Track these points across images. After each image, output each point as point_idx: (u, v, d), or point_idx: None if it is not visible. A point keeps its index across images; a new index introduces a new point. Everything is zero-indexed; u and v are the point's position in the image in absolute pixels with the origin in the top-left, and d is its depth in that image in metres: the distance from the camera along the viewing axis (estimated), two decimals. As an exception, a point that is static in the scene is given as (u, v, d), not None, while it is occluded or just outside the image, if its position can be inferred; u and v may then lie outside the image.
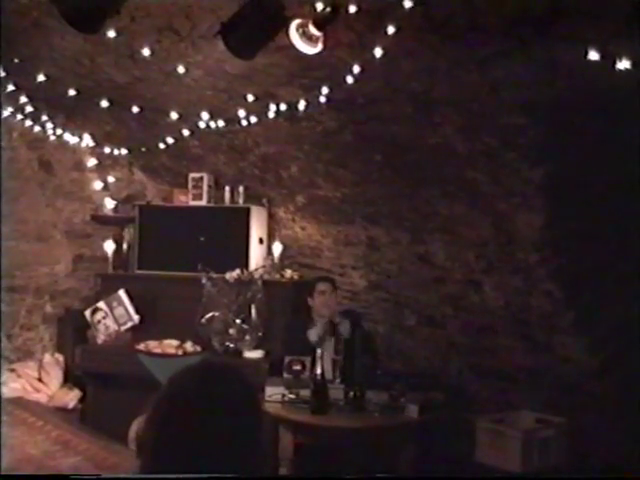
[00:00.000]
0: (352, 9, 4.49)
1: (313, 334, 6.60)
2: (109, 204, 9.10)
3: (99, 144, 8.71)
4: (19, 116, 8.36)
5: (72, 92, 7.05)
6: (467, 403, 7.18)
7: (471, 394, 7.32)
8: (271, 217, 8.25)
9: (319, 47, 4.58)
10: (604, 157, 5.44)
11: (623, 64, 4.11)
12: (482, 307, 6.87)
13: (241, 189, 8.16)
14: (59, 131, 8.64)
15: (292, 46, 4.61)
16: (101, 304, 8.20)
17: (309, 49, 4.56)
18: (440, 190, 6.28)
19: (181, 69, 5.97)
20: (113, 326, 8.09)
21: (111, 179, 9.26)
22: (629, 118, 4.87)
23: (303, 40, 4.51)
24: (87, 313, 8.28)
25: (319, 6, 4.41)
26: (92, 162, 9.10)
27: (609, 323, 6.30)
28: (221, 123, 6.89)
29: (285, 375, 6.24)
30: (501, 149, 5.49)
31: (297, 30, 4.48)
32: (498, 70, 4.84)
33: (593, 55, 4.17)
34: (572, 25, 4.20)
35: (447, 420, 6.32)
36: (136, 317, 8.03)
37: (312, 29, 4.46)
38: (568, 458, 6.38)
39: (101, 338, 8.14)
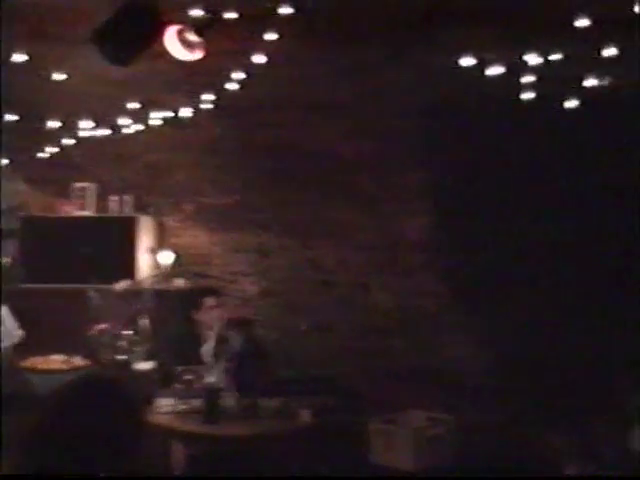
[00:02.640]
0: (232, 15, 4.46)
1: (207, 353, 6.48)
2: (-9, 217, 8.83)
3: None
4: None
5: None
6: (361, 405, 7.17)
7: (364, 396, 7.33)
8: (160, 226, 8.12)
9: (199, 54, 4.51)
10: (484, 160, 5.52)
11: (495, 70, 4.19)
12: (372, 309, 6.89)
13: (127, 198, 8.01)
14: None
15: (173, 52, 4.55)
16: (-21, 320, 7.89)
17: (188, 55, 4.48)
18: (328, 195, 6.28)
19: (60, 76, 5.82)
20: (-6, 344, 7.79)
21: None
22: (504, 122, 4.96)
23: (182, 46, 4.43)
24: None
25: (197, 12, 4.36)
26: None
27: (495, 323, 6.39)
28: (105, 131, 6.76)
29: (177, 385, 6.14)
30: (385, 154, 5.52)
31: (176, 36, 4.40)
32: (380, 76, 4.86)
33: (467, 61, 4.22)
34: (448, 32, 4.25)
35: (340, 423, 6.29)
36: (19, 333, 7.74)
37: (191, 35, 4.39)
38: (458, 454, 6.43)
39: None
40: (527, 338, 6.29)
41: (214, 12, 4.33)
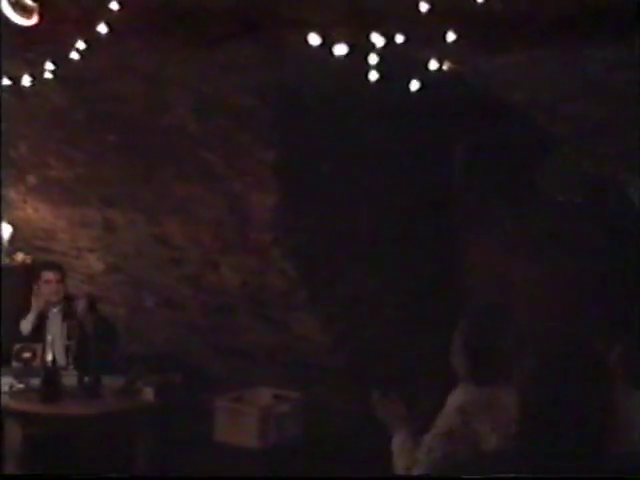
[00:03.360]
0: (73, -20, 4.34)
1: (26, 325, 6.32)
2: None
3: None
4: None
5: None
6: (208, 383, 7.15)
7: (211, 374, 7.32)
8: (0, 198, 7.90)
9: (34, 19, 4.36)
10: (332, 141, 5.55)
11: (341, 49, 4.20)
12: (220, 287, 6.87)
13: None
14: None
15: (11, 18, 4.39)
16: None
17: (23, 21, 4.33)
18: (175, 171, 6.22)
19: None
20: None
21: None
22: (352, 101, 5.00)
23: (16, 11, 4.28)
24: None
25: (33, -22, 4.22)
26: None
27: (341, 300, 6.46)
28: None
29: (14, 364, 5.98)
30: (234, 130, 5.49)
31: (10, 1, 4.25)
32: (226, 52, 4.82)
33: (314, 39, 4.22)
34: (296, 10, 4.23)
35: (185, 401, 6.27)
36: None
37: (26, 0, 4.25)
38: (304, 431, 6.49)
39: None
40: (371, 316, 6.39)
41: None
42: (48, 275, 6.42)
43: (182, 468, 5.80)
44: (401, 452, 3.66)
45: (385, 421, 3.76)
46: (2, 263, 7.58)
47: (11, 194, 7.72)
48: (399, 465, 3.63)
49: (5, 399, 5.66)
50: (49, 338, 5.89)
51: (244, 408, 6.40)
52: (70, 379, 5.80)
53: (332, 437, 6.41)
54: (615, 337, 4.08)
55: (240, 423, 6.32)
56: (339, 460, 5.81)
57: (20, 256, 7.65)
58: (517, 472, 2.36)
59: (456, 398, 3.68)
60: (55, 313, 6.39)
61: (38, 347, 5.97)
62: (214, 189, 6.18)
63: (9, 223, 7.75)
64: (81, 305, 6.38)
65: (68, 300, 6.46)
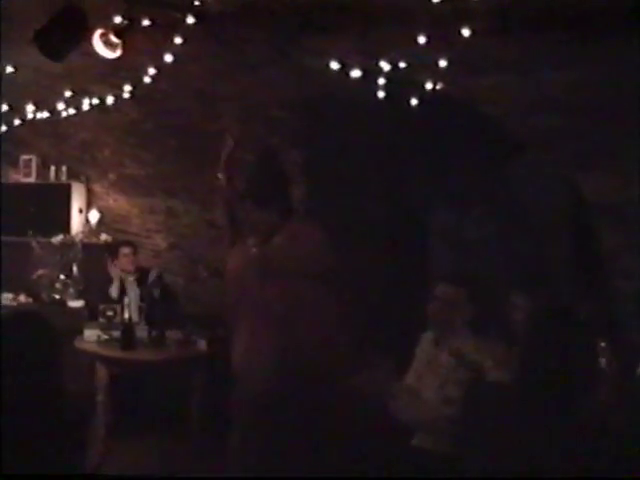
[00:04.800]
0: (146, 22, 4.43)
1: (114, 290, 6.43)
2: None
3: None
4: None
5: None
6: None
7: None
8: (89, 191, 7.99)
9: (118, 52, 4.47)
10: (347, 145, 5.60)
11: (355, 73, 4.27)
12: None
13: (64, 168, 7.87)
14: None
15: (100, 51, 4.50)
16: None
17: (110, 54, 4.44)
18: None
19: (10, 69, 5.72)
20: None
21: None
22: (364, 114, 5.05)
23: (105, 46, 4.39)
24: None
25: (117, 19, 4.32)
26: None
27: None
28: (46, 114, 6.62)
29: (100, 319, 6.08)
30: (268, 135, 5.56)
31: (100, 38, 4.35)
32: (264, 74, 4.90)
33: (334, 65, 4.29)
34: (320, 42, 4.31)
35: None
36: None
37: (112, 37, 4.35)
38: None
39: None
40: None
41: (131, 19, 4.29)
42: (125, 250, 6.52)
43: (229, 402, 5.87)
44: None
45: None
46: (89, 241, 7.67)
47: (97, 188, 7.84)
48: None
49: (94, 346, 5.78)
50: (126, 300, 5.97)
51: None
52: (142, 332, 5.87)
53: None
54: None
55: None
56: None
57: (104, 236, 7.72)
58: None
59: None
60: (131, 281, 6.48)
61: (118, 307, 6.05)
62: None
63: (97, 210, 7.84)
64: (150, 275, 6.46)
65: (140, 271, 6.53)
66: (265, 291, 4.15)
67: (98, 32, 4.33)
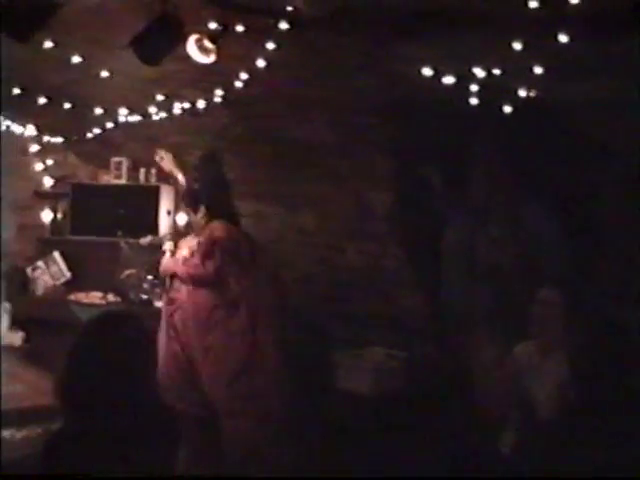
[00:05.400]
0: (239, 28, 4.48)
1: None
2: (48, 182, 8.84)
3: (40, 133, 8.46)
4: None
5: (16, 91, 6.85)
6: (332, 342, 7.21)
7: (336, 335, 7.37)
8: (177, 194, 8.13)
9: (212, 57, 4.53)
10: (438, 151, 5.56)
11: (448, 79, 4.23)
12: (345, 267, 6.93)
13: (153, 171, 8.03)
14: (8, 122, 8.38)
15: (192, 56, 4.57)
16: (40, 263, 8.06)
17: (204, 59, 4.51)
18: (311, 173, 6.32)
19: (105, 73, 5.86)
20: (49, 281, 7.96)
21: (50, 162, 8.96)
22: (457, 120, 5.01)
23: (200, 52, 4.46)
24: (28, 270, 8.13)
25: (212, 25, 4.38)
26: (34, 148, 8.79)
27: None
28: (137, 117, 6.77)
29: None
30: (358, 141, 5.56)
31: (195, 43, 4.43)
32: (355, 79, 4.90)
33: (427, 71, 4.26)
34: (410, 46, 4.29)
35: (314, 356, 6.31)
36: (68, 273, 7.90)
37: (207, 43, 4.41)
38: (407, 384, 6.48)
39: (40, 290, 8.00)
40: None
41: (226, 25, 4.35)
42: None
43: (311, 408, 5.87)
44: None
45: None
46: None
47: (185, 191, 7.97)
48: None
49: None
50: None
51: (362, 363, 6.44)
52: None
53: (430, 389, 6.40)
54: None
55: (358, 375, 6.36)
56: (435, 409, 5.80)
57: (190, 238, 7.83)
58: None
59: None
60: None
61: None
62: (341, 188, 6.27)
63: (185, 213, 7.95)
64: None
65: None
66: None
67: (193, 37, 4.40)
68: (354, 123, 5.46)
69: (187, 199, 4.89)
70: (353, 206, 6.35)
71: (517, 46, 3.95)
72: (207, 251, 4.81)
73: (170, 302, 5.11)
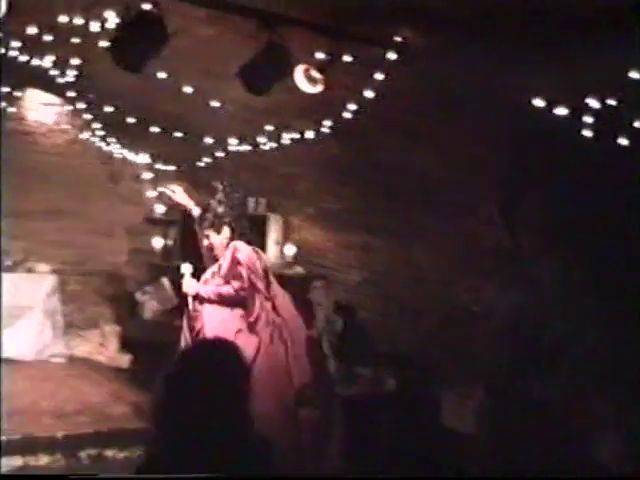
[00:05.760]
0: (347, 58, 4.47)
1: (319, 323, 6.50)
2: (160, 209, 9.07)
3: (154, 161, 8.71)
4: (93, 138, 8.43)
5: (131, 120, 7.07)
6: (437, 378, 7.06)
7: (441, 372, 7.23)
8: (286, 224, 8.19)
9: (320, 87, 4.54)
10: (552, 183, 5.38)
11: (561, 110, 4.09)
12: (453, 302, 6.78)
13: (263, 201, 8.12)
14: (124, 150, 8.67)
15: (301, 86, 4.60)
16: (149, 288, 8.23)
17: (312, 89, 4.52)
18: (422, 206, 6.23)
19: (216, 103, 5.97)
20: (157, 306, 8.12)
21: (162, 189, 9.22)
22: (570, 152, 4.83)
23: (307, 82, 4.47)
24: (138, 294, 8.31)
25: (319, 55, 4.39)
26: (148, 175, 9.06)
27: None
28: (247, 147, 6.86)
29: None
30: (468, 175, 5.45)
31: (302, 73, 4.44)
32: (467, 110, 4.81)
33: (538, 102, 4.13)
34: (523, 76, 4.17)
35: (418, 392, 6.20)
36: (176, 300, 8.03)
37: (314, 73, 4.42)
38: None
39: (147, 314, 8.18)
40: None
41: (333, 55, 4.34)
42: (317, 284, 6.58)
43: (414, 446, 5.75)
44: None
45: None
46: (284, 272, 7.83)
47: (294, 220, 8.00)
48: None
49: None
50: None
51: (466, 401, 6.26)
52: (331, 366, 5.88)
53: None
54: None
55: (462, 413, 6.20)
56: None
57: (298, 268, 7.86)
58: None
59: None
60: (321, 315, 6.52)
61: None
62: (452, 222, 6.13)
63: (293, 243, 8.00)
64: (343, 310, 6.49)
65: (333, 305, 6.57)
66: None
67: (300, 67, 4.42)
68: (466, 155, 5.34)
69: (208, 221, 4.95)
70: (463, 240, 6.21)
71: (635, 75, 3.77)
72: (233, 271, 4.80)
73: (191, 323, 5.07)
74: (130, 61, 3.89)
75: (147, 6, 3.59)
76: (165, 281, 8.14)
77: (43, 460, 5.41)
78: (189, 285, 5.03)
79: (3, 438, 5.26)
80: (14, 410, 5.91)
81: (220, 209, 4.95)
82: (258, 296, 4.75)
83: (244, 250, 4.85)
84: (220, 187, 5.02)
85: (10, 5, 3.41)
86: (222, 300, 4.80)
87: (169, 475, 2.47)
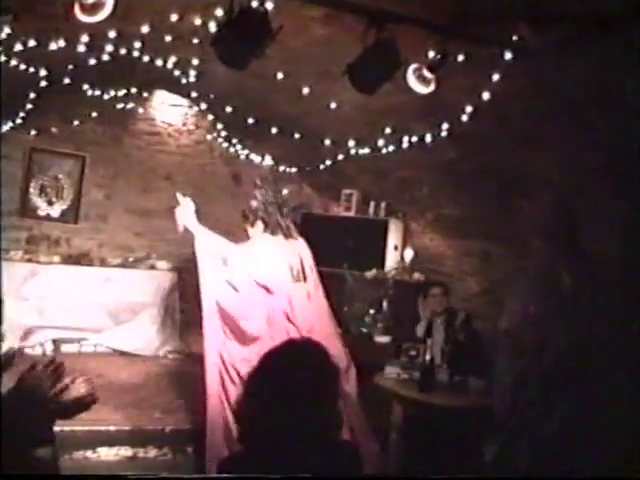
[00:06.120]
0: (460, 57, 4.35)
1: (420, 329, 6.41)
2: (282, 210, 9.13)
3: (277, 163, 8.80)
4: (218, 139, 8.61)
5: (251, 121, 7.16)
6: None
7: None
8: (405, 229, 8.10)
9: (432, 87, 4.43)
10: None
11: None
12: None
13: (383, 205, 8.07)
14: (247, 151, 8.81)
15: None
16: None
17: (423, 89, 4.42)
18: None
19: (333, 105, 5.95)
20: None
21: (285, 191, 9.27)
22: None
23: (418, 81, 4.38)
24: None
25: (431, 53, 4.29)
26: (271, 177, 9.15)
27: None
28: (366, 150, 6.82)
29: (402, 358, 6.07)
30: (589, 180, 5.20)
31: (413, 73, 4.35)
32: (586, 113, 4.60)
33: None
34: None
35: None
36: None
37: (425, 72, 4.32)
38: None
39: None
40: None
41: (445, 54, 4.23)
42: (435, 290, 6.47)
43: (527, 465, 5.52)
44: None
45: None
46: (402, 278, 7.74)
47: (413, 226, 7.91)
48: None
49: (392, 384, 5.75)
50: (429, 341, 5.89)
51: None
52: (443, 376, 5.76)
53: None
54: None
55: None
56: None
57: (416, 275, 7.76)
58: None
59: None
60: (438, 322, 6.41)
61: (422, 347, 5.99)
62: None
63: (411, 248, 7.90)
64: (459, 318, 6.34)
65: (450, 313, 6.44)
66: None
67: (412, 67, 4.34)
68: (585, 160, 5.10)
69: (244, 216, 5.55)
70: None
71: None
72: None
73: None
74: (234, 58, 3.91)
75: (254, 3, 3.60)
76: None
77: (151, 453, 5.54)
78: None
79: (112, 428, 5.45)
80: (128, 402, 6.11)
81: (254, 204, 5.51)
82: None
83: None
84: (258, 184, 5.57)
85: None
86: None
87: (249, 475, 2.46)
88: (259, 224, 5.50)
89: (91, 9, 3.33)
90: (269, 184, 5.68)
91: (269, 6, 3.78)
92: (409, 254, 7.85)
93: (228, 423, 4.87)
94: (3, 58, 5.01)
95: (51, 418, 2.33)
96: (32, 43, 4.89)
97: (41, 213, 8.37)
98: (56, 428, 2.31)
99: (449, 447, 5.62)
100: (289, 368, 2.56)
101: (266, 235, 5.49)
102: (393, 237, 7.99)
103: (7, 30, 4.57)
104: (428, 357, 5.70)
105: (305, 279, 5.70)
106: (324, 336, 5.01)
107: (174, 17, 4.54)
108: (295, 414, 2.46)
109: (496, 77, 4.49)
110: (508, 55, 4.25)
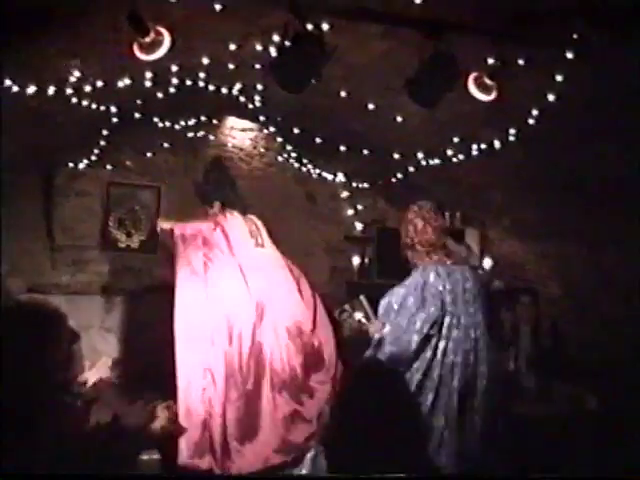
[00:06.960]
0: (521, 61, 4.35)
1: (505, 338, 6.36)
2: (358, 227, 9.20)
3: (349, 180, 8.87)
4: (290, 160, 8.73)
5: (319, 140, 7.26)
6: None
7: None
8: (483, 237, 8.05)
9: (494, 95, 4.44)
10: None
11: None
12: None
13: (458, 214, 8.03)
14: (319, 170, 8.90)
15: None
16: (346, 306, 8.30)
17: (485, 97, 4.43)
18: (610, 209, 5.91)
19: (399, 118, 6.00)
20: (355, 324, 8.18)
21: (360, 207, 9.34)
22: None
23: (480, 90, 4.40)
24: (336, 313, 8.43)
25: (490, 60, 4.30)
26: (345, 194, 9.22)
27: None
28: (436, 160, 6.83)
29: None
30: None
31: (474, 81, 4.37)
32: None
33: None
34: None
35: (623, 412, 5.81)
36: (373, 318, 8.07)
37: (486, 80, 4.34)
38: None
39: (345, 333, 8.25)
40: None
41: (505, 60, 4.24)
42: (523, 299, 6.42)
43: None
44: None
45: None
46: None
47: (491, 233, 7.86)
48: None
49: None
50: (511, 350, 5.85)
51: None
52: (529, 382, 5.71)
53: None
54: None
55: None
56: None
57: (496, 283, 7.67)
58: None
59: None
60: (525, 330, 6.33)
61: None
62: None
63: (490, 257, 7.83)
64: (546, 325, 6.29)
65: (535, 319, 6.37)
66: None
67: (472, 75, 4.35)
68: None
69: (201, 198, 5.71)
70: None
71: None
72: None
73: None
74: (290, 82, 3.99)
75: (309, 26, 3.68)
76: (363, 299, 8.22)
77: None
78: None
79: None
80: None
81: (207, 187, 5.73)
82: None
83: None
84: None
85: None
86: None
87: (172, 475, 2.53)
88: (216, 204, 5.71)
89: (149, 47, 3.46)
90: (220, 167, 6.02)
91: (325, 27, 3.85)
92: (488, 262, 7.78)
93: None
94: (74, 100, 5.20)
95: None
96: (100, 83, 5.08)
97: (121, 245, 8.60)
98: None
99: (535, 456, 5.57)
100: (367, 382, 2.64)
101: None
102: (472, 246, 7.94)
103: (77, 73, 4.77)
104: (512, 366, 5.67)
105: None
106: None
107: (233, 46, 4.66)
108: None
109: (559, 78, 4.48)
110: (570, 54, 4.23)
